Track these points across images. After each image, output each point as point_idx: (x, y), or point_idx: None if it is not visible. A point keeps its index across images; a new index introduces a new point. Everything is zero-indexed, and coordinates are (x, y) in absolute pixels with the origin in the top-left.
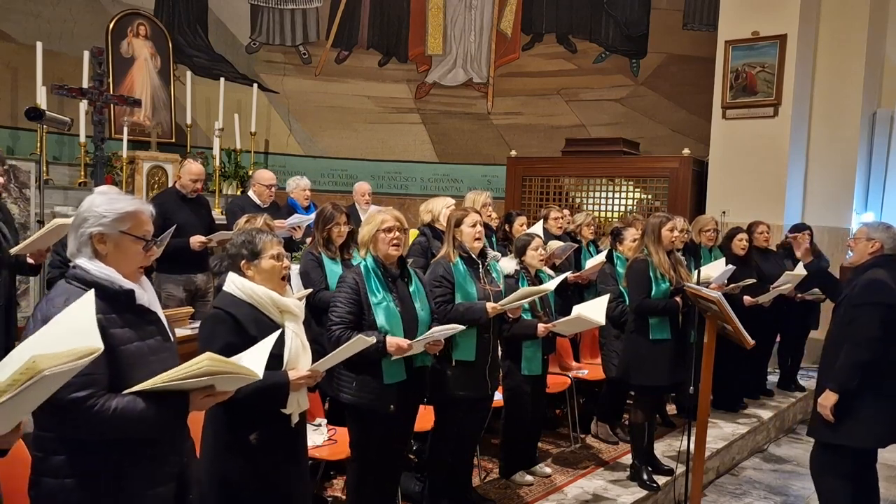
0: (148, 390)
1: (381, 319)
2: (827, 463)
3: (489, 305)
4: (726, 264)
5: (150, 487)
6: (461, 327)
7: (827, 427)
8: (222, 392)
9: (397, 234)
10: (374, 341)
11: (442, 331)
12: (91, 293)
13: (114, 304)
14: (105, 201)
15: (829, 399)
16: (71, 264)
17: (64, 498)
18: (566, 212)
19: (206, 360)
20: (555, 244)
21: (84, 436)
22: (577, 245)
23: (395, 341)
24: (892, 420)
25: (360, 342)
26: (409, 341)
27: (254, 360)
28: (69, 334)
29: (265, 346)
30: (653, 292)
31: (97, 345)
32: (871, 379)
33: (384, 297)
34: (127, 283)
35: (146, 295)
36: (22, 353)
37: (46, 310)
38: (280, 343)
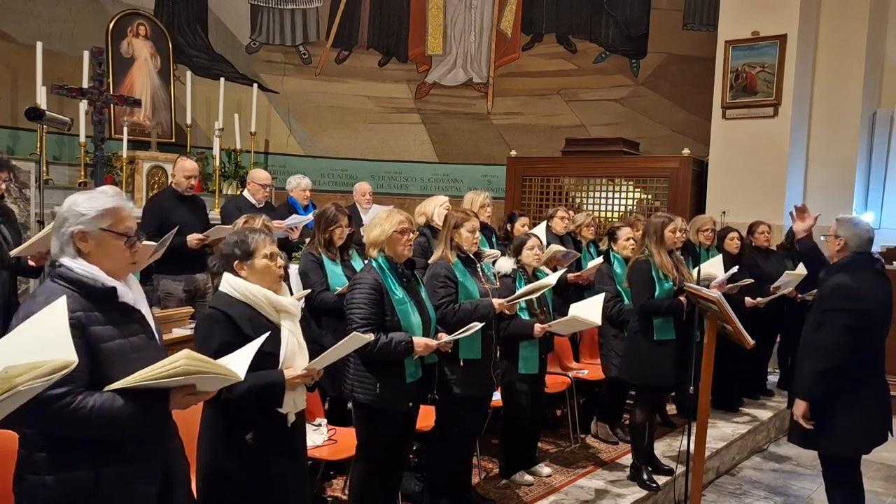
0: (128, 388)
1: (405, 321)
2: (827, 472)
3: (496, 301)
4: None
5: (132, 486)
6: (481, 325)
7: (810, 436)
8: (204, 392)
9: (411, 235)
10: (370, 339)
11: (468, 330)
12: (62, 300)
13: (96, 301)
14: (84, 199)
15: (798, 407)
16: (56, 263)
17: (45, 494)
18: (571, 212)
19: (182, 360)
20: (554, 248)
21: (62, 432)
22: (579, 255)
23: (422, 341)
24: (872, 425)
25: (356, 340)
26: (436, 341)
27: (238, 361)
28: (42, 342)
29: (251, 348)
30: (657, 292)
31: (71, 357)
32: (847, 385)
33: (404, 297)
34: (110, 281)
35: (130, 293)
36: None
37: (28, 308)
38: (276, 342)
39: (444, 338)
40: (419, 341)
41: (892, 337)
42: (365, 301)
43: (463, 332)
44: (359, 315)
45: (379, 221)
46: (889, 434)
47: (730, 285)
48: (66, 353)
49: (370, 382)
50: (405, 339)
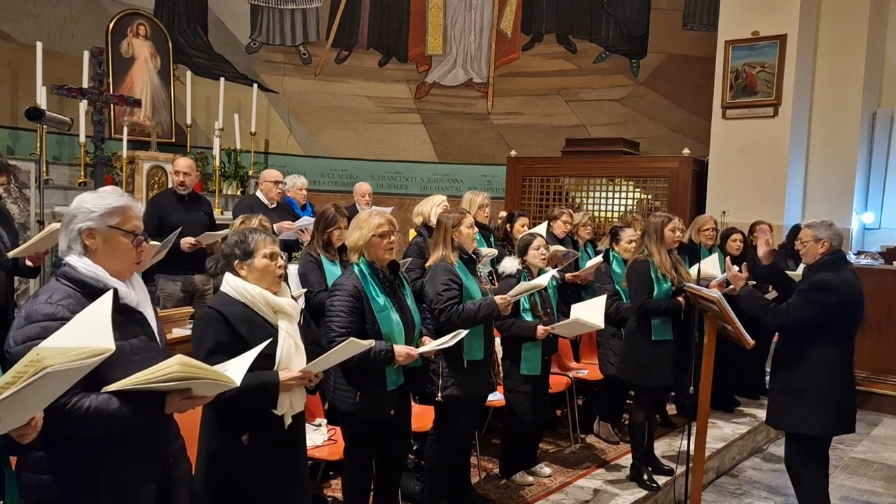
0: (125, 390)
1: (385, 328)
2: (792, 454)
3: (498, 299)
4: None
5: (130, 487)
6: (465, 333)
7: (781, 416)
8: (201, 396)
9: (392, 238)
10: (370, 345)
11: (452, 338)
12: (109, 294)
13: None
14: (94, 198)
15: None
16: (60, 262)
17: (41, 493)
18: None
19: (175, 365)
20: (555, 248)
21: (58, 432)
22: (578, 255)
23: (403, 351)
24: (836, 410)
25: (353, 346)
26: (417, 350)
27: (235, 367)
28: (83, 333)
29: (250, 355)
30: (655, 293)
31: (108, 345)
32: (818, 372)
33: (386, 304)
34: (112, 282)
35: (133, 294)
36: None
37: (30, 307)
38: (273, 343)
39: (427, 346)
40: (400, 350)
41: (888, 339)
42: (343, 309)
43: (447, 339)
44: (337, 324)
45: (358, 225)
46: (853, 426)
47: (731, 286)
48: (103, 342)
49: (350, 392)
50: (385, 348)
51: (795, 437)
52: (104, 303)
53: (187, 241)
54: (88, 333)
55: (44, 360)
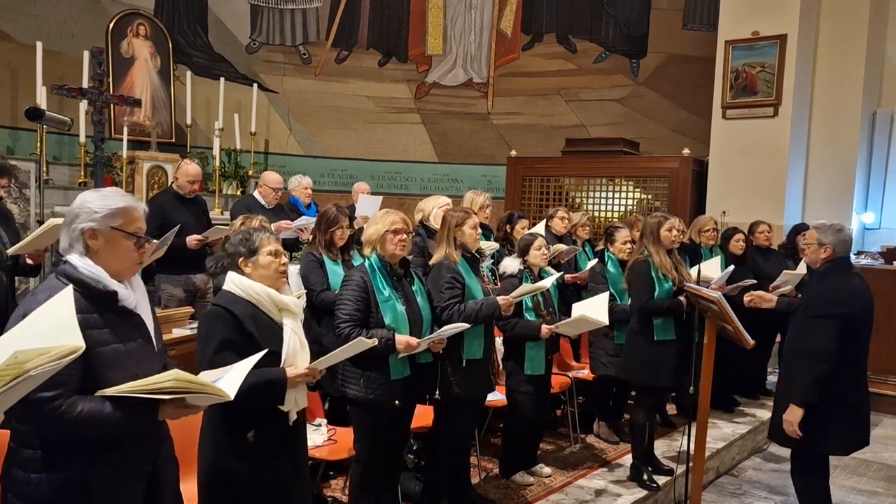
0: (118, 395)
1: (388, 317)
2: (799, 467)
3: (500, 299)
4: (727, 264)
5: (121, 487)
6: (466, 326)
7: (787, 436)
8: (194, 406)
9: (404, 235)
10: (374, 343)
11: (450, 329)
12: (69, 289)
13: (96, 303)
14: (97, 197)
15: (794, 414)
16: (61, 260)
17: (30, 491)
18: (570, 212)
19: (171, 380)
20: (560, 247)
21: (48, 434)
22: (580, 248)
23: (404, 339)
24: (853, 428)
25: (360, 344)
26: (417, 339)
27: (230, 380)
28: (49, 330)
29: (245, 366)
30: (656, 293)
31: (79, 343)
32: (832, 388)
33: (391, 296)
34: (112, 284)
35: (132, 296)
36: (1, 348)
37: (28, 304)
38: (278, 340)
39: (429, 336)
40: (401, 339)
41: (887, 339)
42: (350, 298)
43: (448, 329)
44: (343, 311)
45: (375, 220)
46: (868, 439)
47: (730, 286)
48: (73, 340)
49: (356, 377)
50: (386, 335)
51: (800, 453)
52: (65, 297)
53: (194, 238)
54: (54, 330)
55: (24, 362)
